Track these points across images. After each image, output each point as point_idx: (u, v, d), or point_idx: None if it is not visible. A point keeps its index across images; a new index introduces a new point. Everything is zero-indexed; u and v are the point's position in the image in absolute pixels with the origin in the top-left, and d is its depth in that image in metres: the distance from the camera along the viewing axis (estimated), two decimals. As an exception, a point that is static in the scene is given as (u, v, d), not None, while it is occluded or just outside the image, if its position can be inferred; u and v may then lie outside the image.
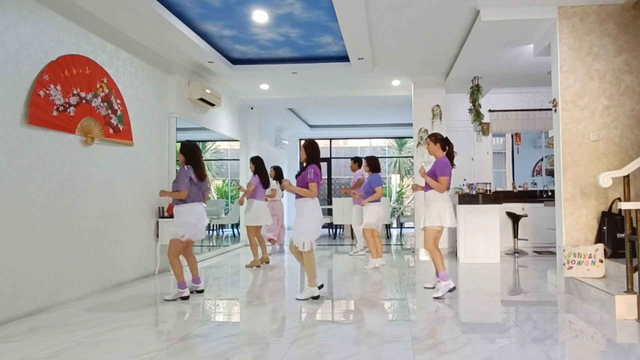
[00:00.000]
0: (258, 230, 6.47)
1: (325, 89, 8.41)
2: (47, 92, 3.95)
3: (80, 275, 4.41)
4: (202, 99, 6.70)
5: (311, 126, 12.55)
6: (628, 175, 3.79)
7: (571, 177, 4.56)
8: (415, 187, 5.02)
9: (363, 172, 7.05)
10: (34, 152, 3.87)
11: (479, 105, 7.16)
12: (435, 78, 7.62)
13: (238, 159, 9.65)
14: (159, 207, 5.78)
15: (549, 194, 7.70)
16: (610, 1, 4.55)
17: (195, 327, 3.40)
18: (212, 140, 12.51)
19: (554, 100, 4.73)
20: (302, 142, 4.56)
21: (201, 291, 4.56)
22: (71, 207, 4.30)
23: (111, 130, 4.84)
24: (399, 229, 12.35)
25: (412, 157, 11.32)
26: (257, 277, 5.57)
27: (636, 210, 3.50)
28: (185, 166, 4.36)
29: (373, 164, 6.38)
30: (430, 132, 4.67)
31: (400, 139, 14.00)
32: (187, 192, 4.29)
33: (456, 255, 6.44)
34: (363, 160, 6.83)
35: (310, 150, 4.35)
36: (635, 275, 3.54)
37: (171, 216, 5.63)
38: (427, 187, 4.45)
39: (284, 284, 5.34)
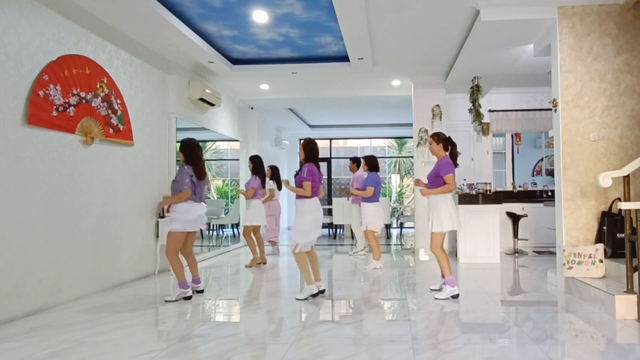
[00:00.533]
0: (256, 230, 6.45)
1: (325, 89, 8.41)
2: (47, 92, 3.95)
3: (80, 275, 4.41)
4: (202, 99, 6.70)
5: (311, 126, 12.56)
6: (628, 175, 3.79)
7: (571, 177, 4.56)
8: (418, 182, 4.67)
9: (362, 173, 7.02)
10: (34, 152, 3.87)
11: (479, 105, 7.16)
12: (435, 78, 7.62)
13: (238, 159, 9.65)
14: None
15: (549, 194, 7.70)
16: (610, 1, 4.55)
17: (195, 327, 3.40)
18: (212, 140, 12.51)
19: (554, 100, 4.73)
20: (301, 141, 4.52)
21: (201, 291, 4.55)
22: (71, 207, 4.30)
23: (111, 130, 4.84)
24: (399, 229, 12.35)
25: (412, 157, 11.32)
26: (257, 278, 5.57)
27: (636, 210, 3.50)
28: (184, 165, 4.32)
29: (371, 163, 6.37)
30: (430, 132, 4.60)
31: (400, 139, 14.00)
32: (190, 191, 4.25)
33: (456, 255, 6.44)
34: (362, 160, 6.78)
35: (309, 149, 4.35)
36: (635, 275, 3.54)
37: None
38: (431, 187, 4.36)
39: (283, 285, 5.34)
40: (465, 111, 7.46)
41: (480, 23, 4.89)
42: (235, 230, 10.19)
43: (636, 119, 4.55)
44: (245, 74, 7.15)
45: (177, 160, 6.72)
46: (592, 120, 4.58)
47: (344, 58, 6.64)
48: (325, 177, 13.12)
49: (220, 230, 11.11)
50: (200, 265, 6.57)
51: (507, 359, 2.72)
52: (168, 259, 4.30)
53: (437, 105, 7.68)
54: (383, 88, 8.32)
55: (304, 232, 4.22)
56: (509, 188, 8.18)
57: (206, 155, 13.17)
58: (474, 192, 6.69)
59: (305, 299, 4.21)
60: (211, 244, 9.50)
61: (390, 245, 8.99)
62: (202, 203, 4.46)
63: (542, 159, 9.43)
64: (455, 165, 4.36)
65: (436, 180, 4.32)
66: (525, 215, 7.09)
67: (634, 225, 3.56)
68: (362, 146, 14.40)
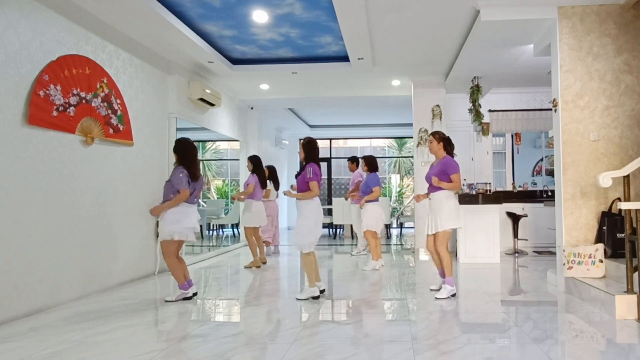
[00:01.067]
0: (256, 231, 6.45)
1: (325, 89, 8.40)
2: (47, 92, 3.95)
3: (80, 275, 4.41)
4: (202, 99, 6.70)
5: (311, 126, 12.56)
6: (628, 175, 3.79)
7: (571, 177, 4.56)
8: (418, 198, 4.68)
9: (361, 173, 7.00)
10: (34, 152, 3.87)
11: (479, 105, 7.16)
12: (435, 78, 7.62)
13: (238, 159, 9.65)
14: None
15: (549, 194, 7.70)
16: (610, 1, 4.55)
17: (195, 327, 3.40)
18: (212, 140, 12.52)
19: (554, 100, 4.73)
20: (301, 140, 4.49)
21: (194, 294, 4.40)
22: (71, 207, 4.30)
23: (111, 130, 4.84)
24: (399, 229, 12.35)
25: (412, 157, 11.32)
26: (257, 278, 5.57)
27: (636, 210, 3.50)
28: (179, 166, 4.21)
29: (371, 163, 6.31)
30: (443, 132, 4.51)
31: (400, 139, 14.00)
32: (189, 191, 4.14)
33: (456, 255, 6.44)
34: (360, 160, 6.73)
35: (309, 148, 4.31)
36: (635, 275, 3.54)
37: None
38: (433, 189, 4.32)
39: (283, 285, 5.34)
40: (465, 111, 7.46)
41: (480, 23, 4.89)
42: (235, 230, 10.19)
43: (636, 119, 4.55)
44: (245, 74, 7.15)
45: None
46: (592, 120, 4.57)
47: (344, 58, 6.64)
48: (325, 177, 13.12)
49: (220, 230, 11.11)
50: (200, 265, 6.57)
51: (507, 359, 2.72)
52: (166, 262, 4.26)
53: (437, 105, 7.68)
54: (383, 88, 8.31)
55: (310, 233, 4.21)
56: (509, 188, 8.18)
57: (206, 155, 13.18)
58: (474, 192, 6.69)
59: (306, 299, 4.21)
60: (211, 244, 9.50)
61: (390, 245, 8.99)
62: (195, 206, 4.32)
63: (542, 159, 9.44)
64: None
65: (442, 179, 4.26)
66: (525, 215, 7.09)
67: (634, 225, 3.56)
68: (362, 146, 14.40)
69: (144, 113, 5.55)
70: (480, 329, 3.31)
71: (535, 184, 8.85)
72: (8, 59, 3.62)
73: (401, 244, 9.12)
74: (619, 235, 4.21)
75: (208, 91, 6.78)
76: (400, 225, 12.64)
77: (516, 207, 7.20)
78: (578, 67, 4.61)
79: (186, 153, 4.25)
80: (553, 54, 4.76)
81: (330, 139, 13.46)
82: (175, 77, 6.23)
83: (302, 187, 4.24)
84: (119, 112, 4.97)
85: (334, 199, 9.99)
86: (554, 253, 5.40)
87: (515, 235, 7.05)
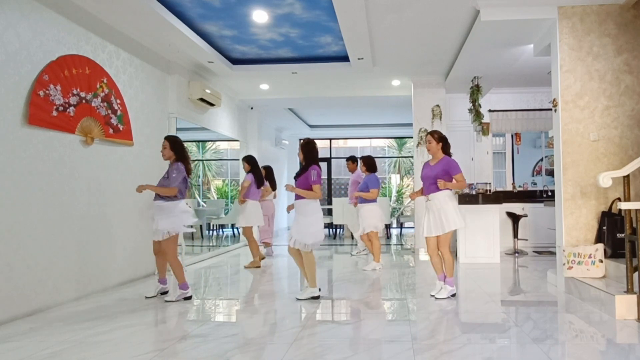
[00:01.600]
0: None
1: (325, 89, 8.40)
2: (47, 92, 3.95)
3: (80, 275, 4.41)
4: (202, 99, 6.70)
5: (311, 126, 12.56)
6: (628, 175, 3.79)
7: (571, 177, 4.56)
8: (413, 195, 4.63)
9: (360, 174, 6.89)
10: (34, 152, 3.87)
11: (479, 105, 7.16)
12: (435, 78, 7.61)
13: (238, 159, 9.65)
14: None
15: (549, 194, 7.70)
16: (610, 1, 4.54)
17: (195, 327, 3.40)
18: (212, 140, 12.52)
19: (554, 100, 4.73)
20: (300, 141, 4.44)
21: (166, 292, 4.46)
22: (71, 207, 4.30)
23: (111, 130, 4.84)
24: (399, 229, 12.35)
25: (412, 157, 11.32)
26: (257, 278, 5.57)
27: (636, 210, 3.50)
28: (177, 162, 4.29)
29: (370, 163, 6.23)
30: (441, 132, 4.45)
31: (400, 139, 14.00)
32: (177, 190, 4.23)
33: (456, 255, 6.44)
34: (359, 160, 6.60)
35: (307, 149, 4.29)
36: (635, 275, 3.54)
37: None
38: (433, 190, 4.24)
39: (283, 285, 5.34)
40: (465, 111, 7.46)
41: (480, 23, 4.89)
42: (235, 230, 10.19)
43: (636, 119, 4.55)
44: (245, 74, 7.14)
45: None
46: (592, 120, 4.57)
47: (344, 58, 6.64)
48: (325, 177, 13.13)
49: (220, 230, 11.11)
50: (200, 265, 6.58)
51: (507, 359, 2.72)
52: (169, 261, 4.27)
53: (437, 105, 7.68)
54: (383, 88, 8.31)
55: (317, 232, 4.20)
56: (509, 188, 8.18)
57: (206, 155, 13.19)
58: (474, 192, 6.69)
59: (306, 299, 4.21)
60: (211, 244, 9.51)
61: (390, 245, 8.99)
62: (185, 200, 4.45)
63: (542, 159, 9.43)
64: None
65: (444, 180, 4.19)
66: (525, 215, 7.09)
67: (634, 225, 3.56)
68: (362, 146, 14.40)
69: (144, 113, 5.55)
70: (480, 329, 3.31)
71: (535, 184, 8.85)
72: (8, 59, 3.62)
73: (401, 244, 9.12)
74: (619, 235, 4.21)
75: (208, 91, 6.78)
76: (400, 225, 12.65)
77: (516, 207, 7.20)
78: (578, 67, 4.61)
79: (182, 149, 4.39)
80: (553, 54, 4.76)
81: (330, 139, 13.46)
82: (175, 77, 6.23)
83: (302, 187, 4.23)
84: (119, 112, 4.97)
85: (334, 199, 9.99)
86: (554, 253, 5.41)
87: (515, 235, 7.05)
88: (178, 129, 6.32)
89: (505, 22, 4.84)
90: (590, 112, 4.58)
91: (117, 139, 4.96)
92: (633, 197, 4.34)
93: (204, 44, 5.94)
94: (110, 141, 4.86)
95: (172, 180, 4.20)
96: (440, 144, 4.32)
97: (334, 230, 10.95)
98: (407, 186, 13.97)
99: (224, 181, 13.58)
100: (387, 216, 9.69)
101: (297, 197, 4.27)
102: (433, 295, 4.29)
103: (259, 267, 6.23)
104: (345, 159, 7.70)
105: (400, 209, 12.51)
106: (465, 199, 6.32)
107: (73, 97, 4.27)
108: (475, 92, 7.12)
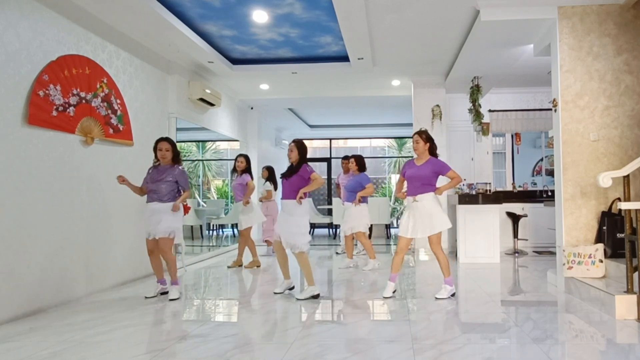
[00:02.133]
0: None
1: (325, 89, 8.40)
2: (47, 92, 3.95)
3: (80, 275, 4.41)
4: (202, 99, 6.70)
5: (311, 126, 12.55)
6: (628, 175, 3.79)
7: (571, 177, 4.56)
8: (402, 195, 4.45)
9: (343, 175, 6.82)
10: (34, 152, 3.87)
11: (479, 105, 7.16)
12: (435, 78, 7.61)
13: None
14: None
15: (549, 194, 7.70)
16: (610, 1, 4.55)
17: (195, 327, 3.40)
18: (212, 140, 12.51)
19: (554, 100, 4.73)
20: (292, 142, 4.37)
21: (165, 292, 4.52)
22: (71, 207, 4.30)
23: (111, 130, 4.84)
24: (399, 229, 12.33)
25: (412, 157, 11.32)
26: (257, 278, 5.57)
27: (636, 210, 3.50)
28: (180, 166, 4.47)
29: (362, 163, 6.21)
30: (430, 132, 4.44)
31: (400, 139, 13.99)
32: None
33: (456, 255, 6.44)
34: (351, 159, 6.34)
35: (303, 150, 4.34)
36: (635, 275, 3.54)
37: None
38: (420, 190, 4.19)
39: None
40: (465, 111, 7.46)
41: (480, 23, 4.89)
42: (235, 230, 10.18)
43: (636, 119, 4.55)
44: (245, 74, 7.15)
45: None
46: (592, 120, 4.57)
47: (344, 58, 6.64)
48: (325, 177, 13.16)
49: (220, 230, 11.11)
50: (200, 265, 6.58)
51: (507, 359, 2.72)
52: (168, 258, 4.38)
53: (437, 105, 7.68)
54: (383, 88, 8.31)
55: (304, 234, 4.23)
56: (509, 188, 8.18)
57: (206, 155, 13.18)
58: (474, 192, 6.69)
59: (306, 299, 4.21)
60: (211, 244, 9.50)
61: (390, 245, 8.99)
62: None
63: (542, 159, 9.43)
64: None
65: (432, 181, 4.23)
66: (525, 215, 7.09)
67: (634, 225, 3.56)
68: (362, 146, 14.39)
69: (144, 113, 5.55)
70: (480, 329, 3.31)
71: (535, 184, 8.84)
72: (8, 59, 3.62)
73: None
74: (619, 235, 4.21)
75: (208, 91, 6.78)
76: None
77: (516, 207, 7.20)
78: (578, 67, 4.61)
79: (179, 152, 4.53)
80: (553, 54, 4.76)
81: (330, 139, 13.45)
82: (175, 77, 6.23)
83: (297, 186, 4.22)
84: (119, 112, 4.97)
85: (334, 199, 9.98)
86: (554, 253, 5.41)
87: (515, 235, 7.05)
88: (178, 129, 6.32)
89: (505, 22, 4.84)
90: (590, 112, 4.58)
91: (117, 139, 4.96)
92: (633, 197, 4.34)
93: (204, 44, 5.94)
94: (110, 141, 4.86)
95: (185, 184, 4.42)
96: (428, 144, 4.28)
97: (333, 230, 10.94)
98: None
99: (224, 181, 13.57)
100: (387, 216, 9.71)
101: (287, 196, 4.26)
102: (387, 297, 4.23)
103: (259, 265, 6.23)
104: (349, 159, 6.74)
105: (400, 209, 12.50)
106: (465, 199, 6.32)
107: (73, 97, 4.27)
108: (475, 92, 7.12)
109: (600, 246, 4.30)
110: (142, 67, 5.54)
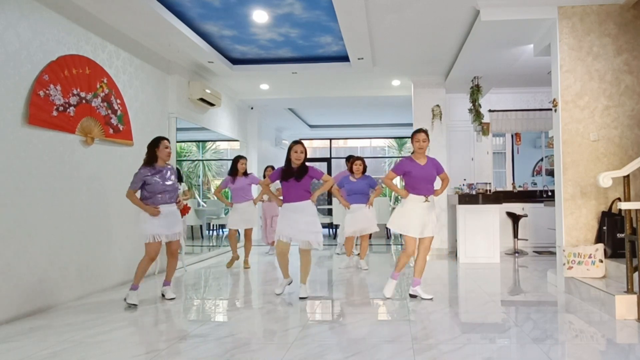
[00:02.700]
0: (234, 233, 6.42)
1: (325, 89, 8.40)
2: (47, 92, 3.95)
3: (80, 275, 4.41)
4: (202, 99, 6.70)
5: (311, 126, 12.55)
6: (628, 175, 3.79)
7: (571, 177, 4.56)
8: (407, 194, 4.26)
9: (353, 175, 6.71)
10: (34, 152, 3.87)
11: (479, 105, 7.15)
12: (435, 78, 7.61)
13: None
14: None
15: (549, 194, 7.69)
16: (610, 1, 4.54)
17: (195, 327, 3.40)
18: (212, 140, 12.51)
19: (554, 100, 4.73)
20: (296, 142, 4.33)
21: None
22: (71, 207, 4.30)
23: (111, 130, 4.84)
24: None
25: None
26: (257, 278, 5.57)
27: (636, 210, 3.50)
28: (172, 167, 4.51)
29: (365, 165, 6.15)
30: (430, 133, 4.43)
31: (400, 139, 13.99)
32: None
33: (456, 255, 6.44)
34: (359, 161, 6.15)
35: (306, 151, 4.36)
36: (635, 275, 3.54)
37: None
38: (430, 191, 4.19)
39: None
40: (465, 111, 7.45)
41: (480, 23, 4.89)
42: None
43: (636, 119, 4.55)
44: (245, 74, 7.14)
45: (178, 160, 6.73)
46: (592, 120, 4.57)
47: (344, 58, 6.63)
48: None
49: (220, 230, 11.11)
50: (200, 265, 6.58)
51: (507, 359, 2.72)
52: (175, 258, 4.49)
53: (437, 105, 7.67)
54: (383, 88, 8.31)
55: (321, 231, 4.31)
56: (509, 188, 8.18)
57: (206, 155, 13.18)
58: (474, 192, 6.69)
59: (307, 296, 4.23)
60: (211, 244, 9.50)
61: (390, 245, 8.99)
62: None
63: (542, 159, 9.43)
64: None
65: (434, 181, 4.26)
66: (525, 215, 7.09)
67: (634, 225, 3.56)
68: (362, 146, 14.39)
69: (144, 113, 5.55)
70: (480, 329, 3.31)
71: (535, 184, 8.84)
72: (8, 59, 3.62)
73: (401, 244, 9.11)
74: (619, 235, 4.21)
75: (208, 91, 6.78)
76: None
77: (516, 207, 7.20)
78: (578, 67, 4.61)
79: None
80: (553, 54, 4.75)
81: (330, 139, 13.45)
82: (175, 77, 6.23)
83: (308, 187, 4.29)
84: (119, 112, 4.97)
85: (334, 199, 9.98)
86: (554, 253, 5.41)
87: (515, 235, 7.05)
88: (178, 129, 6.33)
89: (505, 22, 4.84)
90: (590, 112, 4.58)
91: (117, 139, 4.96)
92: (633, 197, 4.34)
93: (204, 44, 5.94)
94: (110, 141, 4.86)
95: (178, 180, 4.47)
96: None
97: (334, 230, 10.93)
98: (407, 186, 13.95)
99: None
100: (387, 216, 9.69)
101: (300, 198, 4.24)
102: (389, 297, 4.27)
103: (238, 258, 6.30)
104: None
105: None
106: (465, 199, 6.32)
107: (73, 97, 4.27)
108: (475, 92, 7.12)
109: (600, 246, 4.30)
110: (142, 67, 5.54)
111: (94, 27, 4.63)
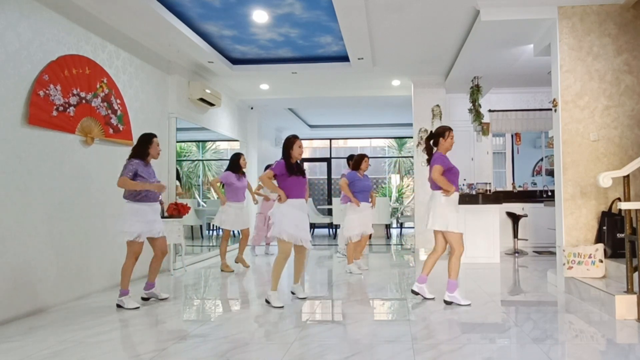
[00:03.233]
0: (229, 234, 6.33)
1: (325, 89, 8.40)
2: (47, 92, 3.95)
3: (80, 275, 4.41)
4: (202, 99, 6.70)
5: (311, 126, 12.55)
6: (628, 175, 3.79)
7: (571, 177, 4.56)
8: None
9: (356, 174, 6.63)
10: (34, 152, 3.87)
11: (479, 105, 7.16)
12: (435, 78, 7.61)
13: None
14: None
15: (549, 194, 7.70)
16: (610, 1, 4.55)
17: (195, 327, 3.40)
18: (212, 140, 12.49)
19: (554, 100, 4.73)
20: (295, 137, 4.29)
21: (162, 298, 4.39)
22: (71, 207, 4.30)
23: (111, 130, 4.84)
24: (399, 229, 12.36)
25: (412, 157, 11.32)
26: (256, 278, 5.57)
27: (636, 210, 3.50)
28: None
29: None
30: (429, 132, 4.38)
31: (400, 139, 14.00)
32: None
33: (456, 255, 6.42)
34: (367, 158, 5.98)
35: None
36: (635, 275, 3.54)
37: (171, 216, 5.65)
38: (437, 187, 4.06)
39: (283, 285, 5.32)
40: (465, 111, 7.46)
41: (480, 23, 4.89)
42: (235, 230, 10.16)
43: (636, 119, 4.55)
44: (245, 74, 7.15)
45: (178, 160, 6.72)
46: (592, 120, 4.57)
47: (344, 58, 6.64)
48: (325, 177, 13.22)
49: (220, 230, 11.09)
50: (200, 265, 6.58)
51: (507, 359, 2.72)
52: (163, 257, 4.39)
53: (437, 105, 7.68)
54: (383, 88, 8.31)
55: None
56: (509, 188, 8.18)
57: (206, 155, 13.18)
58: (474, 192, 6.69)
59: (306, 297, 4.22)
60: (211, 244, 9.50)
61: (390, 245, 8.99)
62: None
63: (542, 159, 9.43)
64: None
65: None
66: (525, 215, 7.09)
67: (634, 225, 3.56)
68: (362, 146, 14.39)
69: (144, 113, 5.55)
70: (480, 329, 3.31)
71: (535, 184, 8.84)
72: (8, 59, 3.62)
73: (401, 244, 9.11)
74: (619, 235, 4.21)
75: (208, 91, 6.78)
76: (400, 225, 12.65)
77: (516, 207, 7.20)
78: (578, 67, 4.61)
79: None
80: (553, 54, 4.76)
81: (330, 139, 13.46)
82: (175, 77, 6.23)
83: (305, 184, 4.23)
84: (119, 112, 4.97)
85: (334, 199, 9.99)
86: (554, 253, 5.41)
87: (515, 235, 7.05)
88: (178, 129, 6.32)
89: (505, 22, 4.84)
90: (590, 112, 4.58)
91: (117, 139, 4.96)
92: (633, 197, 4.34)
93: (204, 44, 5.94)
94: (110, 141, 4.86)
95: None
96: None
97: (334, 230, 10.94)
98: (407, 186, 13.96)
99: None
100: (387, 216, 9.71)
101: (302, 195, 4.16)
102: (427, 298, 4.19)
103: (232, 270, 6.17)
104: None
105: (400, 209, 12.51)
106: (465, 199, 6.31)
107: (73, 97, 4.27)
108: (475, 92, 7.12)
109: (600, 246, 4.30)
110: (142, 67, 5.54)
111: (94, 27, 4.63)
